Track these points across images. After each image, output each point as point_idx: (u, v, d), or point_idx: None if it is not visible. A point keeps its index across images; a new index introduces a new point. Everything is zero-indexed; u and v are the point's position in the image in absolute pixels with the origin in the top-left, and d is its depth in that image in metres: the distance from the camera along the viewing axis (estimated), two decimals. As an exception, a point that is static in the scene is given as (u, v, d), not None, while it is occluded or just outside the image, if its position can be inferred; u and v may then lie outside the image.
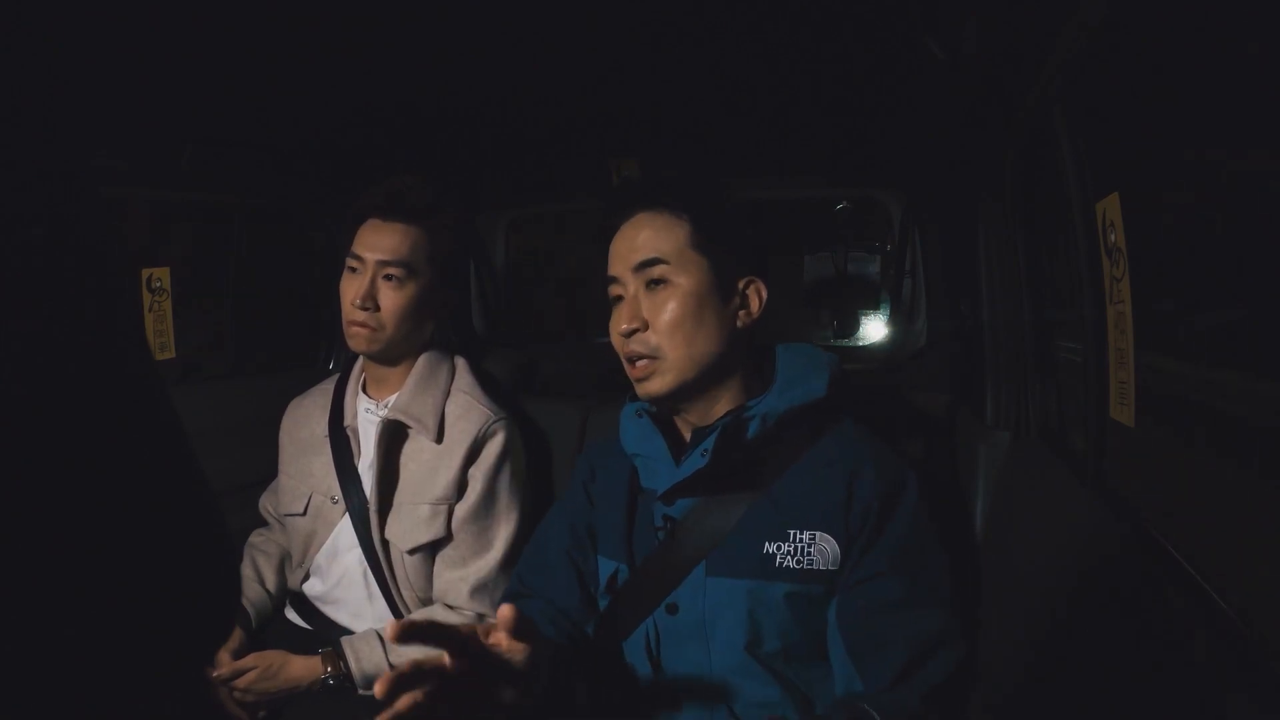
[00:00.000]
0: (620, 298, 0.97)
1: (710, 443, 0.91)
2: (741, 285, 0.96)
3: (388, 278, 1.20)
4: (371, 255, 1.20)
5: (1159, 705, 0.58)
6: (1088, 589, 0.75)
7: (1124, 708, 0.62)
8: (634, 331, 0.93)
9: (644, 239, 0.94)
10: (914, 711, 0.82)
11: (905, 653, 0.84)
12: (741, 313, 0.96)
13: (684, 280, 0.93)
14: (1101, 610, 0.71)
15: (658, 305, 0.93)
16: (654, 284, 0.94)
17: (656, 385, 0.93)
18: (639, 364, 0.94)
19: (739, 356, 0.96)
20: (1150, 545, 0.71)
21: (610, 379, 1.10)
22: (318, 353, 1.84)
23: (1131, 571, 0.69)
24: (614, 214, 0.99)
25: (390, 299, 1.20)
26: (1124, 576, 0.70)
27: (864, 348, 1.95)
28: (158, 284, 1.46)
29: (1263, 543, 0.66)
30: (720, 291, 0.94)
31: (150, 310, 1.46)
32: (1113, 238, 0.79)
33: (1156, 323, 0.81)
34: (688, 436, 0.98)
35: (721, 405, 0.96)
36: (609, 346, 0.99)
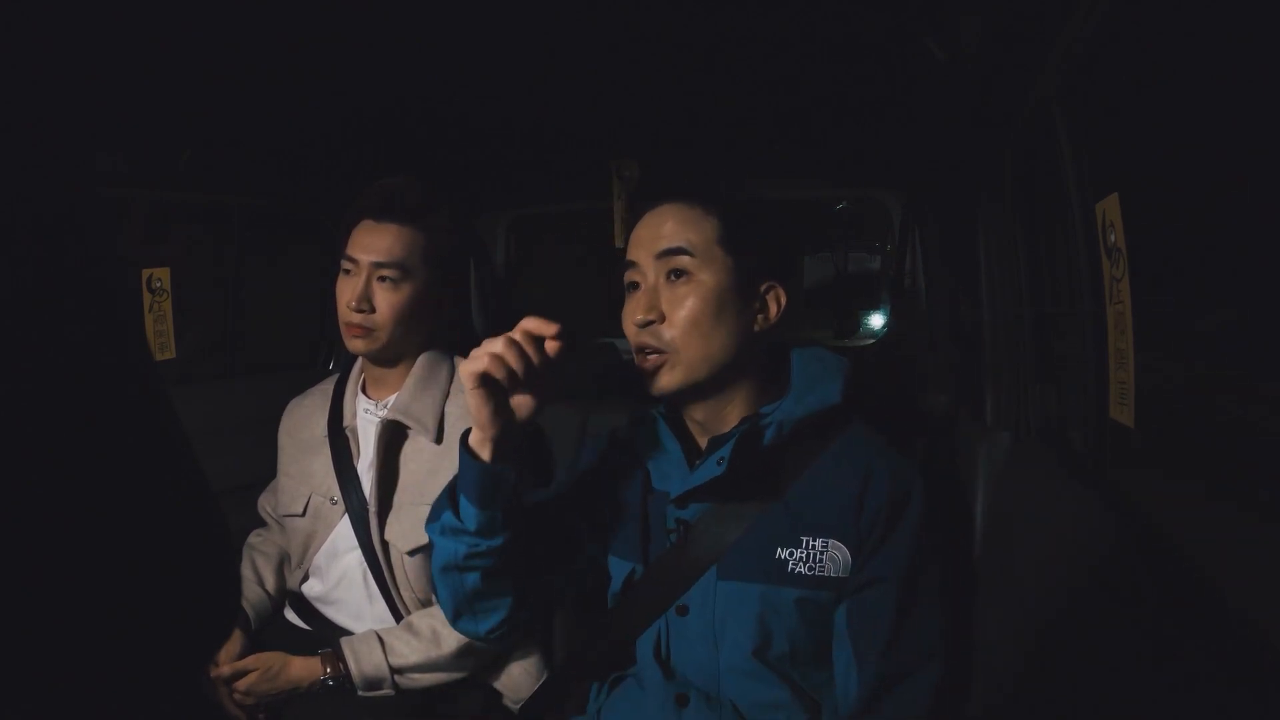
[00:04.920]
0: (636, 285, 0.95)
1: (727, 451, 0.90)
2: (762, 289, 0.94)
3: (382, 279, 1.20)
4: (365, 257, 1.20)
5: (1159, 705, 0.58)
6: (1088, 589, 0.75)
7: (1124, 707, 0.62)
8: (649, 323, 0.91)
9: (670, 228, 0.92)
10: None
11: (896, 662, 0.85)
12: (760, 317, 0.94)
13: (707, 277, 0.91)
14: (1102, 610, 0.71)
15: (677, 299, 0.91)
16: (675, 275, 0.92)
17: (665, 381, 0.92)
18: (651, 357, 0.92)
19: (753, 361, 0.95)
20: (1150, 545, 0.71)
21: (610, 379, 1.10)
22: (317, 353, 1.84)
23: (1131, 571, 0.69)
24: (642, 201, 0.98)
25: (385, 300, 1.20)
26: (1124, 576, 0.70)
27: (863, 348, 1.95)
28: (158, 284, 1.46)
29: (1263, 542, 0.66)
30: (741, 293, 0.92)
31: (150, 310, 1.46)
32: (1112, 238, 0.79)
33: (1156, 323, 0.81)
34: (700, 439, 0.97)
35: (734, 409, 0.95)
36: (608, 347, 0.99)
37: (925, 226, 1.57)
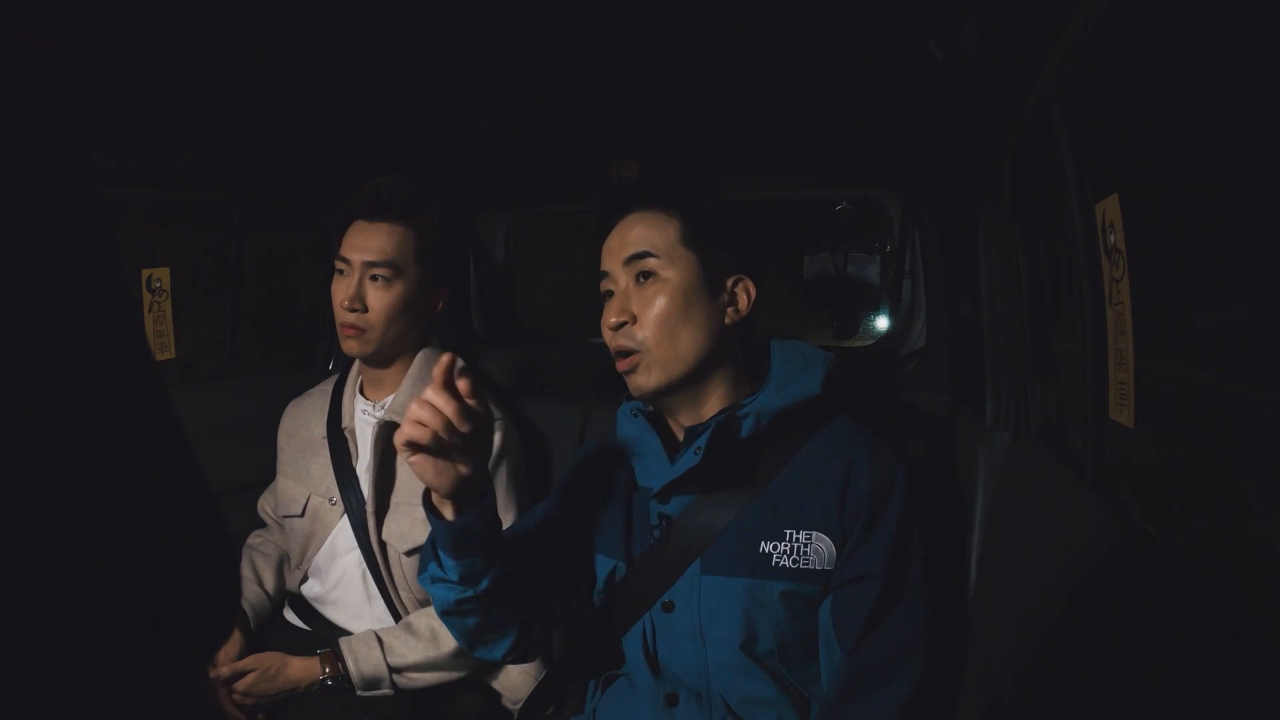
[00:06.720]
0: (611, 293, 0.98)
1: (703, 440, 0.92)
2: (730, 283, 0.97)
3: (374, 278, 1.21)
4: (357, 256, 1.20)
5: (1158, 705, 0.58)
6: (1087, 589, 0.75)
7: (1123, 708, 0.62)
8: (622, 324, 0.94)
9: (635, 234, 0.96)
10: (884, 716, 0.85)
11: (877, 658, 0.86)
12: (730, 310, 0.96)
13: (673, 275, 0.94)
14: (1100, 610, 0.71)
15: (646, 300, 0.94)
16: (644, 278, 0.95)
17: (643, 380, 0.94)
18: (626, 359, 0.95)
19: (728, 354, 0.97)
20: (1150, 545, 0.71)
21: (609, 379, 1.10)
22: (316, 354, 1.84)
23: (1131, 571, 0.69)
24: (608, 214, 1.00)
25: (378, 299, 1.21)
26: (1123, 576, 0.70)
27: (863, 348, 1.95)
28: (158, 284, 1.46)
29: (1263, 543, 0.66)
30: (709, 288, 0.95)
31: (150, 310, 1.46)
32: (1112, 239, 0.79)
33: (1156, 323, 0.81)
34: (680, 434, 0.99)
35: (713, 403, 0.97)
36: (607, 347, 0.99)
37: (925, 226, 1.57)
